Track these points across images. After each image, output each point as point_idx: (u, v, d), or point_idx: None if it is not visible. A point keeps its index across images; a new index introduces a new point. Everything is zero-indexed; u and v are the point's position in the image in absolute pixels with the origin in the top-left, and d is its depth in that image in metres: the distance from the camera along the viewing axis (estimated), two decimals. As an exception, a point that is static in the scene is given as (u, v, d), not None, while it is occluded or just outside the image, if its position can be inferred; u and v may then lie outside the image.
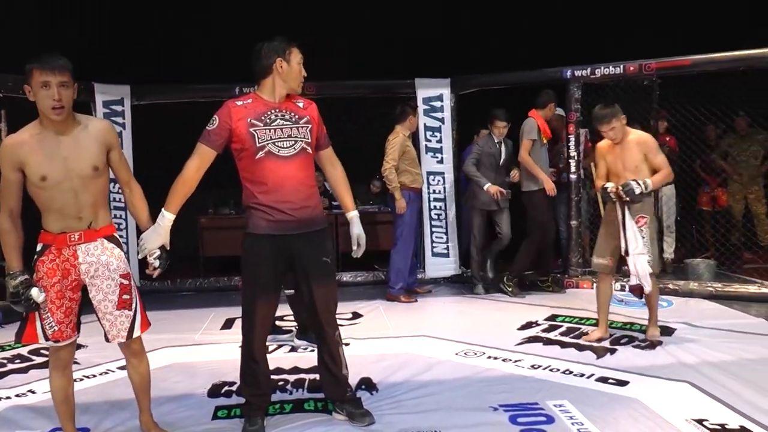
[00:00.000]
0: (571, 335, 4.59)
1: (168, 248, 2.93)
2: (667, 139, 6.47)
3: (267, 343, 3.20)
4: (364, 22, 7.47)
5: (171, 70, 6.92)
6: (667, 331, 4.59)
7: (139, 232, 2.99)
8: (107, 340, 2.88)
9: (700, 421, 3.07)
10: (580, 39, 7.10)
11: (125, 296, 2.85)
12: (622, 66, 6.01)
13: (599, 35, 7.16)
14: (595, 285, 4.64)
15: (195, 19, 7.48)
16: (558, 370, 3.88)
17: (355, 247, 3.20)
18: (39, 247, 2.80)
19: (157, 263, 2.89)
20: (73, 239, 2.76)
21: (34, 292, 2.69)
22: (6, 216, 2.72)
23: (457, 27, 7.48)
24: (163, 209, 2.91)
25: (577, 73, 6.17)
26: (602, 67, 6.10)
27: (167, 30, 7.30)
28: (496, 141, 5.96)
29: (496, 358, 4.18)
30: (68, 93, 2.67)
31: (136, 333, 2.89)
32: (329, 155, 3.22)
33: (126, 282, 2.86)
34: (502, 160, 5.99)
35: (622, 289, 5.90)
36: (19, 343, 2.89)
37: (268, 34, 3.06)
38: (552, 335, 4.64)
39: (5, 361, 4.42)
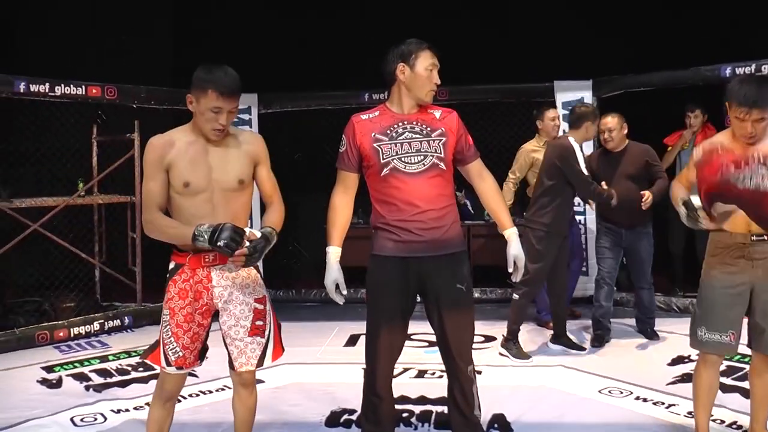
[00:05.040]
0: (733, 376, 3.97)
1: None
2: None
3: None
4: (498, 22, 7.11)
5: (298, 78, 6.85)
6: None
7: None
8: (232, 367, 2.67)
9: None
10: (740, 31, 6.36)
11: (258, 322, 2.63)
12: (794, 61, 5.26)
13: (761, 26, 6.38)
14: (695, 372, 3.01)
15: (321, 25, 7.38)
16: (723, 421, 3.33)
17: (511, 270, 2.81)
18: (171, 266, 2.64)
19: (246, 243, 2.46)
20: (207, 260, 2.57)
21: (227, 224, 2.42)
22: (155, 211, 2.54)
23: (598, 23, 6.92)
24: (326, 247, 2.75)
25: (739, 70, 5.44)
26: (770, 63, 5.36)
27: (293, 36, 7.24)
28: None
29: (645, 400, 3.69)
30: (232, 117, 2.56)
31: (267, 361, 2.66)
32: (477, 168, 2.86)
33: (261, 307, 2.65)
34: None
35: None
36: (144, 359, 2.73)
37: (396, 38, 2.77)
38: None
39: (129, 368, 4.45)
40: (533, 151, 5.24)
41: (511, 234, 2.82)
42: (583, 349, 4.64)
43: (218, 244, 2.40)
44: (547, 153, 4.64)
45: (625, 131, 4.77)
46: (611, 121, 4.75)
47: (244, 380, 2.70)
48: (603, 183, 4.54)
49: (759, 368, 2.96)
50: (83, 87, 5.38)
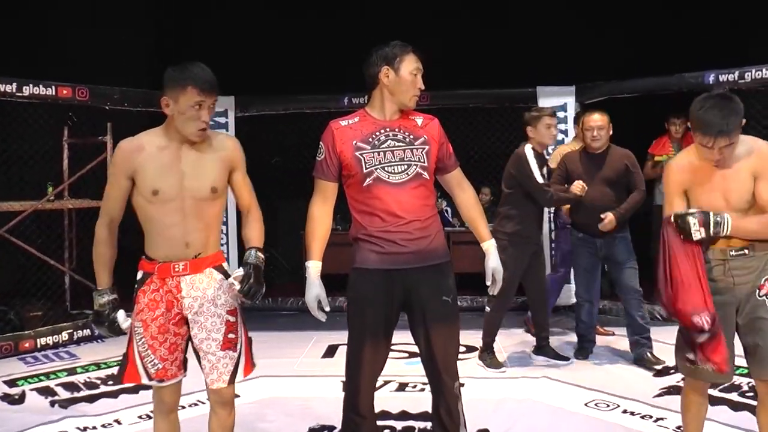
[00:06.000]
0: (720, 387, 3.89)
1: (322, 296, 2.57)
2: None
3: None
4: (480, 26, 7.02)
5: (276, 80, 6.70)
6: None
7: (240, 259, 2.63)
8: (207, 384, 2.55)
9: None
10: (725, 38, 6.33)
11: (231, 335, 2.51)
12: (778, 67, 5.22)
13: (747, 33, 6.36)
14: (682, 397, 2.84)
15: (301, 26, 7.24)
16: (713, 435, 3.26)
17: (489, 283, 2.72)
18: (139, 276, 2.51)
19: (236, 285, 2.43)
20: (177, 269, 2.45)
21: (120, 315, 2.40)
22: (105, 225, 2.47)
23: (583, 29, 6.87)
24: (305, 261, 2.59)
25: (722, 77, 5.40)
26: (753, 70, 5.30)
27: (272, 39, 7.09)
28: None
29: (633, 413, 3.60)
30: (212, 113, 2.44)
31: (239, 377, 2.54)
32: (457, 178, 2.75)
33: (232, 319, 2.52)
34: None
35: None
36: (121, 383, 2.63)
37: (376, 41, 2.65)
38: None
39: (98, 382, 4.27)
40: (567, 150, 5.10)
41: (490, 246, 2.74)
42: (567, 359, 4.53)
43: (99, 331, 2.43)
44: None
45: (611, 132, 4.51)
46: (601, 118, 4.42)
47: (223, 398, 2.55)
48: (578, 182, 4.33)
49: (765, 400, 2.65)
50: (53, 87, 5.19)
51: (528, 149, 4.34)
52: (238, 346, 2.54)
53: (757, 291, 2.57)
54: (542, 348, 4.59)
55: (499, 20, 7.10)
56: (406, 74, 2.58)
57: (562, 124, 5.92)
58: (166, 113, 2.42)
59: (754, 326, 2.57)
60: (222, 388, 2.51)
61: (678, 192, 2.66)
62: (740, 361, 2.70)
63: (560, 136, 5.93)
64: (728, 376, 2.66)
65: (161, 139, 2.44)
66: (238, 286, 2.42)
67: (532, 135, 4.40)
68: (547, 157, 5.88)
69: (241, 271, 2.44)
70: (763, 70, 5.26)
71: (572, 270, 4.79)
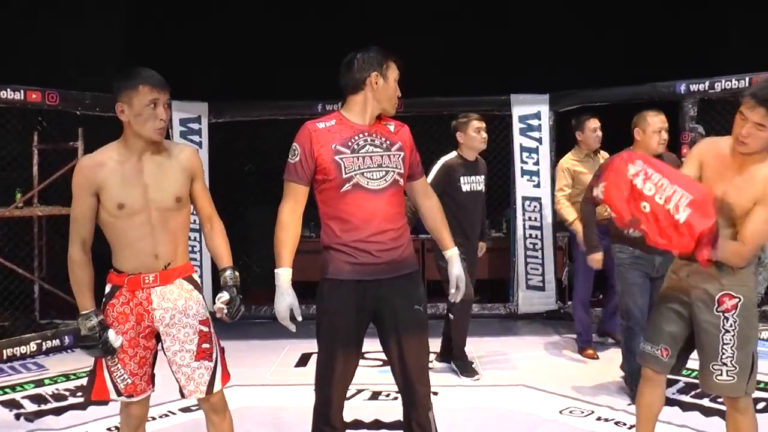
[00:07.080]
0: (692, 394, 3.93)
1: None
2: None
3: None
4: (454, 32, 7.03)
5: (250, 87, 6.65)
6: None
7: (215, 271, 2.65)
8: (182, 395, 2.54)
9: None
10: (696, 49, 6.42)
11: (205, 345, 2.51)
12: (747, 78, 5.29)
13: (717, 44, 6.46)
14: (638, 388, 2.90)
15: (274, 34, 7.20)
16: (686, 441, 3.28)
17: (453, 290, 2.72)
18: (108, 289, 2.49)
19: (225, 309, 2.51)
20: (147, 281, 2.45)
21: (111, 334, 2.38)
22: (78, 247, 2.42)
23: (558, 38, 6.91)
24: (275, 269, 2.54)
25: (693, 87, 5.51)
26: (723, 80, 5.41)
27: (246, 44, 7.04)
28: None
29: (607, 420, 3.61)
30: (169, 114, 2.42)
31: (217, 387, 2.53)
32: (422, 186, 2.76)
33: (206, 329, 2.53)
34: None
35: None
36: (89, 400, 2.58)
37: (350, 47, 2.63)
38: (669, 392, 3.92)
39: (67, 393, 4.18)
40: (574, 164, 4.94)
41: (453, 254, 2.75)
42: (475, 374, 4.40)
43: (91, 354, 2.42)
44: None
45: None
46: (665, 119, 3.89)
47: (214, 406, 2.57)
48: None
49: (729, 411, 2.71)
50: (22, 91, 5.07)
51: (443, 161, 4.31)
52: (214, 356, 2.54)
53: (715, 305, 2.59)
54: (444, 355, 4.53)
55: (476, 29, 7.12)
56: (392, 81, 2.58)
57: (536, 132, 5.96)
58: (122, 119, 2.40)
59: (702, 341, 2.64)
60: (208, 396, 2.52)
61: (696, 161, 2.63)
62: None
63: (534, 144, 5.98)
64: (664, 365, 2.73)
65: (120, 153, 2.43)
66: (226, 310, 2.49)
67: (462, 141, 4.38)
68: (538, 166, 5.91)
69: (226, 296, 2.52)
70: (732, 80, 5.37)
71: (623, 295, 3.92)
